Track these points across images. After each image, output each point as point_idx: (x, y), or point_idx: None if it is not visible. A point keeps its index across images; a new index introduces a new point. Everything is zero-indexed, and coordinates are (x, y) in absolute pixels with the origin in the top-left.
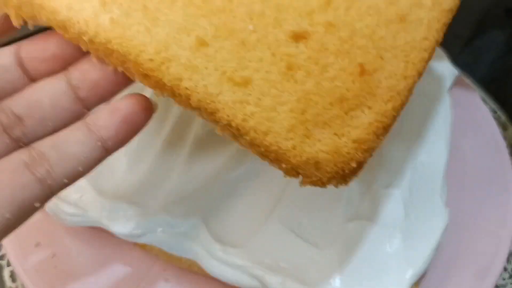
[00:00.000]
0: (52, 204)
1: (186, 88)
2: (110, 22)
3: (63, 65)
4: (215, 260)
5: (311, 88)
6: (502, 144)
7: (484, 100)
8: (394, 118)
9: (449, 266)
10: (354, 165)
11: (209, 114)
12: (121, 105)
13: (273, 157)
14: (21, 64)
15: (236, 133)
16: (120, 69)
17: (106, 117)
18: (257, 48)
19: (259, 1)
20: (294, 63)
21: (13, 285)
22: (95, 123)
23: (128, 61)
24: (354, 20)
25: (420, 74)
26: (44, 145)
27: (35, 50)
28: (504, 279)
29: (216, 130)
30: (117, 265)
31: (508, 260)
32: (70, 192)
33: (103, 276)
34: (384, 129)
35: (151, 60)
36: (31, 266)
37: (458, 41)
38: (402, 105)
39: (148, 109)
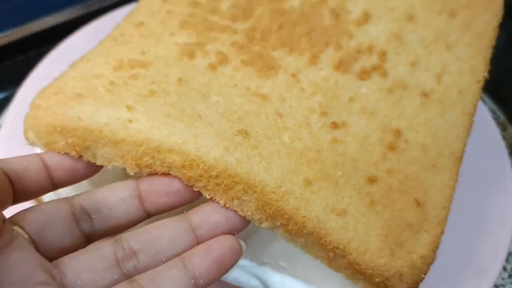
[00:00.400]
0: None
1: (304, 217)
2: (236, 162)
3: (182, 201)
4: None
5: (388, 218)
6: (502, 144)
7: (483, 100)
8: (441, 237)
9: (449, 266)
10: (423, 276)
11: (320, 238)
12: (216, 246)
13: (369, 273)
14: (139, 196)
15: (341, 254)
16: (235, 202)
17: (201, 257)
18: (346, 188)
19: (339, 155)
20: (373, 199)
21: None
22: (190, 261)
23: (253, 192)
24: (404, 168)
25: (450, 203)
26: (144, 279)
27: (159, 184)
28: (503, 279)
29: (318, 255)
30: None
31: (507, 260)
32: None
33: None
34: (436, 247)
35: (273, 192)
36: None
37: None
38: (444, 228)
39: (238, 251)
